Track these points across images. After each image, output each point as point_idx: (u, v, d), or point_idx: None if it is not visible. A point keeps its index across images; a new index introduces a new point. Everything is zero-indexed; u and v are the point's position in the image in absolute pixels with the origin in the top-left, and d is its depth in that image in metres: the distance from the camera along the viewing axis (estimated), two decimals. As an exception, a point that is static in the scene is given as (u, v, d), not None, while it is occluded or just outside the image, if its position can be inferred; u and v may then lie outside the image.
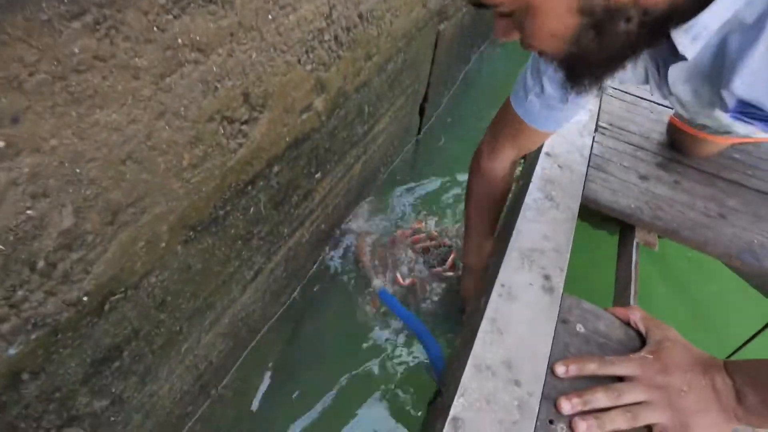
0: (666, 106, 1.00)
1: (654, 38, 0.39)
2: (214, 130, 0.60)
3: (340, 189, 1.21)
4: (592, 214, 0.78)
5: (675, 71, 0.46)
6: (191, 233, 0.65)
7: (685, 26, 0.37)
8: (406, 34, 1.25)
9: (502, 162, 0.74)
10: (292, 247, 1.05)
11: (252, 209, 0.79)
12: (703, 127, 0.83)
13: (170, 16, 0.46)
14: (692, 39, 0.38)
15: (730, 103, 0.42)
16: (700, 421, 0.47)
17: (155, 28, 0.45)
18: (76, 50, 0.38)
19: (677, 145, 0.89)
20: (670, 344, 0.51)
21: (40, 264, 0.43)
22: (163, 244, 0.60)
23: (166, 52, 0.47)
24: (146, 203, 0.54)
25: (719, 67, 0.40)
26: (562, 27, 0.37)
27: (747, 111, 0.43)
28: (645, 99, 1.05)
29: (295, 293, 1.18)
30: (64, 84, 0.38)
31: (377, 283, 1.06)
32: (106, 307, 0.54)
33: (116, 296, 0.55)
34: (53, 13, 0.35)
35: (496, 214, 0.83)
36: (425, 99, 1.75)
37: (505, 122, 0.69)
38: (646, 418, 0.47)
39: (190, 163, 0.58)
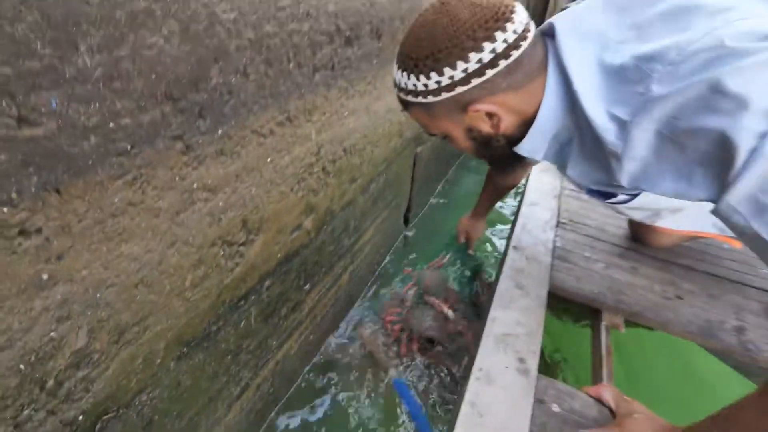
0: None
1: None
2: (215, 254, 0.69)
3: (328, 299, 1.27)
4: (566, 308, 0.85)
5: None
6: (185, 349, 0.69)
7: (517, 147, 0.64)
8: (386, 159, 1.44)
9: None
10: (280, 360, 1.06)
11: (243, 323, 0.84)
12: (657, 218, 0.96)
13: (190, 168, 0.58)
14: (528, 152, 0.64)
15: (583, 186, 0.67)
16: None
17: (177, 178, 0.57)
18: (116, 200, 0.48)
19: (637, 236, 1.01)
20: (636, 416, 0.57)
21: (50, 383, 0.47)
22: (159, 361, 0.64)
23: (183, 194, 0.59)
24: (149, 322, 0.59)
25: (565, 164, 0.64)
26: (466, 145, 0.67)
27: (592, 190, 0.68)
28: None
29: (280, 413, 1.14)
30: (102, 226, 0.47)
31: (393, 372, 1.07)
32: (98, 426, 0.56)
33: (109, 415, 0.57)
34: (105, 175, 0.46)
35: (497, 196, 1.30)
36: (408, 209, 1.91)
37: None
38: None
39: (191, 284, 0.66)
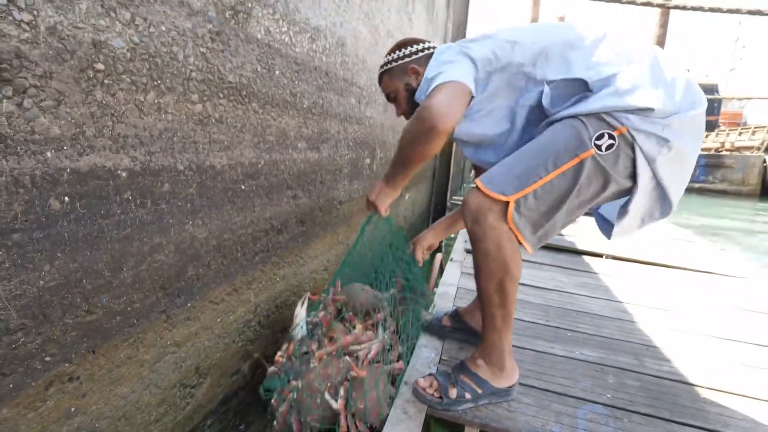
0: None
1: None
2: (174, 394, 0.94)
3: (261, 441, 1.42)
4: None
5: None
6: (140, 480, 0.87)
7: (416, 95, 1.13)
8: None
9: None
10: (214, 503, 1.17)
11: (187, 459, 1.02)
12: None
13: (167, 331, 0.89)
14: (418, 98, 1.10)
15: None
16: (375, 184, 1.16)
17: (159, 338, 0.87)
18: (122, 355, 0.77)
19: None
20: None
21: (53, 496, 0.67)
22: (121, 488, 0.82)
23: (160, 349, 0.88)
24: (121, 450, 0.80)
25: None
26: (402, 96, 1.19)
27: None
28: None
29: None
30: (110, 374, 0.75)
31: None
32: None
33: None
34: (119, 340, 0.76)
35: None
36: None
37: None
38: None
39: (155, 419, 0.88)
